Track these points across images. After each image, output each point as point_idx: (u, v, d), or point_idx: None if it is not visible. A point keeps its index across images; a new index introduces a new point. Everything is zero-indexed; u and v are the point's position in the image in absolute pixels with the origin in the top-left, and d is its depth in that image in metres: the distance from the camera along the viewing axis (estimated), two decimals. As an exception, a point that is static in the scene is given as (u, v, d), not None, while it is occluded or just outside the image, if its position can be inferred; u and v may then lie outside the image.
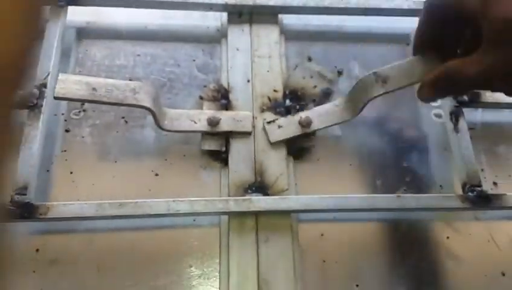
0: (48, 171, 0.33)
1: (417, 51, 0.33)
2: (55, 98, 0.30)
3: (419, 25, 0.32)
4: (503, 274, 0.34)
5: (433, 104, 0.41)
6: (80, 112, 0.36)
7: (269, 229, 0.33)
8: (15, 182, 0.30)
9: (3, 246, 0.13)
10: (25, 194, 0.30)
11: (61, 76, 0.30)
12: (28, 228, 0.31)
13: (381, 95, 0.33)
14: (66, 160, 0.34)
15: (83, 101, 0.31)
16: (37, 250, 0.31)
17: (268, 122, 0.36)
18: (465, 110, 0.39)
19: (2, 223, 0.14)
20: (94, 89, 0.30)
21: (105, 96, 0.30)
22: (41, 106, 0.33)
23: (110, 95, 0.30)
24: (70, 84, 0.30)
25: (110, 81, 0.31)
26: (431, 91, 0.31)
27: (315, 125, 0.37)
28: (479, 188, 0.35)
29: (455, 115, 0.38)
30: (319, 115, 0.37)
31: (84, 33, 0.40)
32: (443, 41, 0.31)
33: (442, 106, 0.40)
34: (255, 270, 0.31)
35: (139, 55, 0.39)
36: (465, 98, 0.39)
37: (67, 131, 0.35)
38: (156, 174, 0.35)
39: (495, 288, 0.34)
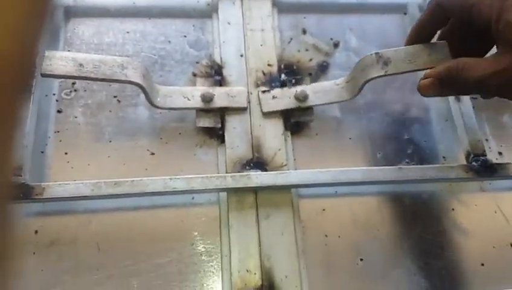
0: (42, 152, 0.34)
1: (409, 44, 0.34)
2: (42, 75, 0.31)
3: (421, 20, 0.34)
4: (512, 245, 0.36)
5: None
6: (71, 91, 0.37)
7: (269, 205, 0.34)
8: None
9: (9, 226, 0.14)
10: (20, 175, 0.31)
11: (47, 53, 0.31)
12: (26, 209, 0.32)
13: (380, 77, 0.34)
14: (60, 141, 0.35)
15: (70, 78, 0.31)
16: (36, 232, 0.32)
17: (263, 92, 0.37)
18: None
19: (8, 202, 0.15)
20: (81, 65, 0.31)
21: (92, 72, 0.31)
22: (31, 86, 0.34)
23: (97, 70, 0.31)
24: (57, 60, 0.31)
25: (97, 57, 0.32)
26: (436, 84, 0.31)
27: (311, 101, 0.38)
28: (483, 158, 0.37)
29: (457, 84, 0.40)
30: (316, 91, 0.38)
31: (71, 12, 0.40)
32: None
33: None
34: (256, 247, 0.33)
35: (128, 32, 0.40)
36: (467, 66, 0.40)
37: (59, 112, 0.36)
38: (152, 153, 0.36)
39: (504, 259, 0.35)
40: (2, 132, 0.14)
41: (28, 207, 0.32)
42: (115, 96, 0.37)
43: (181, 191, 0.33)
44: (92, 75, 0.31)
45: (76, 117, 0.36)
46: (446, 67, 0.31)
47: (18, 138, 0.14)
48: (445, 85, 0.31)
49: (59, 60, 0.31)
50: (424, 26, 0.34)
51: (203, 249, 0.33)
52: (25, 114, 0.33)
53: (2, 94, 0.13)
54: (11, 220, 0.14)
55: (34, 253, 0.31)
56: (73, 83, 0.37)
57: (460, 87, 0.32)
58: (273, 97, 0.37)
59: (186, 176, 0.33)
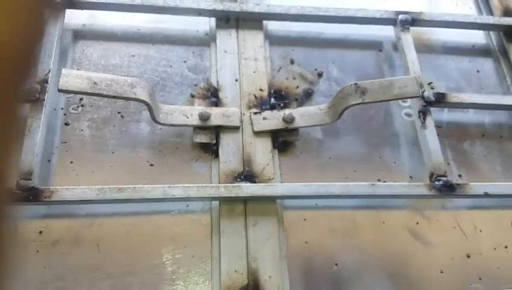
0: (49, 161, 0.38)
1: None
2: (59, 90, 0.35)
3: None
4: (468, 256, 0.41)
5: (403, 104, 0.48)
6: (78, 106, 0.41)
7: (257, 214, 0.38)
8: (19, 168, 0.35)
9: (9, 229, 0.14)
10: (30, 179, 0.34)
11: (64, 71, 0.35)
12: (32, 212, 0.35)
13: (358, 104, 0.40)
14: (66, 151, 0.38)
15: (84, 94, 0.35)
16: (40, 232, 0.35)
17: (255, 113, 0.42)
18: (432, 110, 0.46)
19: (8, 206, 0.15)
20: (95, 83, 0.35)
21: (105, 90, 0.35)
22: (43, 99, 0.38)
23: (109, 88, 0.35)
24: (73, 78, 0.35)
25: (110, 76, 0.36)
26: None
27: (298, 123, 0.43)
28: (444, 178, 0.42)
29: (423, 113, 0.45)
30: (302, 115, 0.43)
31: (80, 35, 0.44)
32: None
33: (412, 105, 0.47)
34: (244, 250, 0.36)
35: (133, 55, 0.45)
36: (432, 98, 0.46)
37: (66, 124, 0.40)
38: (151, 165, 0.40)
39: (461, 268, 0.40)
40: (3, 123, 0.14)
41: (33, 209, 0.35)
42: (119, 112, 0.41)
43: (178, 198, 0.37)
44: (105, 92, 0.35)
45: (82, 130, 0.40)
46: None
47: (19, 130, 0.14)
48: None
49: (75, 77, 0.35)
50: None
51: (195, 252, 0.36)
52: (36, 124, 0.37)
53: (3, 84, 0.13)
54: (12, 221, 0.14)
55: (37, 251, 0.34)
56: (81, 99, 0.41)
57: None
58: (264, 118, 0.42)
59: (184, 185, 0.37)
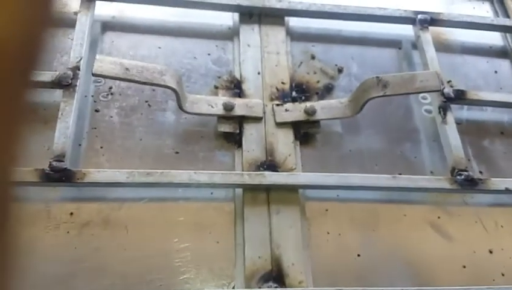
0: (79, 145, 0.39)
1: None
2: (94, 74, 0.36)
3: None
4: (491, 252, 0.41)
5: (423, 100, 0.49)
6: (107, 95, 0.42)
7: (280, 203, 0.39)
8: (52, 150, 0.36)
9: (15, 212, 0.14)
10: (63, 161, 0.36)
11: (98, 56, 0.37)
12: (63, 193, 0.36)
13: (379, 97, 0.41)
14: (96, 136, 0.40)
15: (117, 79, 0.37)
16: (71, 214, 0.36)
17: (277, 105, 0.43)
18: (452, 107, 0.47)
19: (12, 192, 0.14)
20: (127, 69, 0.37)
21: (136, 76, 0.37)
22: (75, 85, 0.39)
23: (140, 75, 0.37)
24: (107, 63, 0.36)
25: (141, 63, 0.38)
26: None
27: (319, 115, 0.44)
28: (466, 173, 0.43)
29: (443, 109, 0.46)
30: (323, 107, 0.44)
31: (109, 26, 0.46)
32: None
33: (432, 102, 0.48)
34: (267, 237, 0.37)
35: (160, 47, 0.46)
36: (452, 94, 0.47)
37: (96, 111, 0.41)
38: (176, 152, 0.41)
39: (483, 263, 0.40)
40: (4, 121, 0.13)
41: (64, 191, 0.37)
42: (146, 101, 0.43)
43: (204, 183, 0.38)
44: (136, 78, 0.36)
45: (111, 117, 0.41)
46: None
47: (23, 125, 0.14)
48: None
49: (109, 63, 0.36)
50: None
51: (219, 238, 0.37)
52: (68, 109, 0.38)
53: (3, 82, 0.13)
54: (17, 205, 0.14)
55: (68, 232, 0.35)
56: (110, 88, 0.43)
57: None
58: (286, 110, 0.43)
59: (209, 171, 0.38)
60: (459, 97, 0.47)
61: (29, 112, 0.14)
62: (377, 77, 0.41)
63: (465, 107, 0.50)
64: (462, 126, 0.48)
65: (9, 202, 0.14)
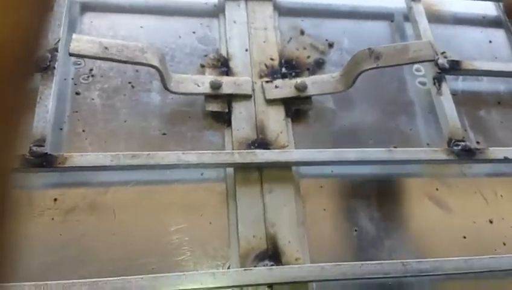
0: (61, 129, 0.38)
1: None
2: (70, 54, 0.35)
3: None
4: (491, 222, 0.40)
5: (417, 72, 0.48)
6: (88, 76, 0.41)
7: (273, 181, 0.38)
8: (32, 135, 0.35)
9: (12, 197, 0.15)
10: (43, 146, 0.34)
11: (75, 36, 0.35)
12: (46, 179, 0.35)
13: (372, 69, 0.40)
14: (78, 120, 0.38)
15: (96, 58, 0.35)
16: (55, 200, 0.35)
17: (267, 82, 0.42)
18: (447, 79, 0.46)
19: (12, 176, 0.15)
20: (106, 48, 0.35)
21: (116, 55, 0.35)
22: (54, 67, 0.38)
23: (120, 53, 0.35)
24: (84, 43, 0.35)
25: (121, 42, 0.36)
26: None
27: (310, 91, 0.43)
28: (463, 143, 0.42)
29: (438, 80, 0.45)
30: (314, 82, 0.43)
31: (88, 7, 0.44)
32: None
33: (426, 74, 0.47)
34: (261, 216, 0.36)
35: (141, 27, 0.45)
36: (446, 65, 0.46)
37: (77, 94, 0.40)
38: (163, 134, 0.39)
39: (484, 233, 0.39)
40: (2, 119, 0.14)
41: (47, 177, 0.35)
42: (129, 82, 0.41)
43: (193, 164, 0.36)
44: (116, 57, 0.35)
45: (93, 99, 0.40)
46: None
47: (22, 124, 0.14)
48: None
49: (86, 42, 0.35)
50: None
51: (211, 219, 0.36)
52: (47, 92, 0.37)
53: (2, 83, 0.13)
54: (14, 190, 0.15)
55: (52, 219, 0.34)
56: (91, 69, 0.41)
57: None
58: (276, 87, 0.42)
59: (198, 152, 0.37)
60: (454, 68, 0.46)
61: (26, 105, 0.15)
62: (369, 49, 0.40)
63: (460, 78, 0.49)
64: (458, 97, 0.47)
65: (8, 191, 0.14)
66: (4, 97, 0.14)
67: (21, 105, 0.15)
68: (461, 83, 0.49)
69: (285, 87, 0.42)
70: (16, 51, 0.14)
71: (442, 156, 0.41)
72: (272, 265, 0.34)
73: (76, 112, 0.39)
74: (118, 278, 0.31)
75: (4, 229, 0.15)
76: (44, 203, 0.34)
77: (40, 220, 0.34)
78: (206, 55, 0.44)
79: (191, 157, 0.37)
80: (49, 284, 0.29)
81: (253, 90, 0.42)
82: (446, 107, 0.44)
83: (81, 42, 0.35)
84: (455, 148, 0.41)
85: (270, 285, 0.33)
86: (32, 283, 0.29)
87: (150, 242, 0.34)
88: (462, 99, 0.47)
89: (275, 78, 0.43)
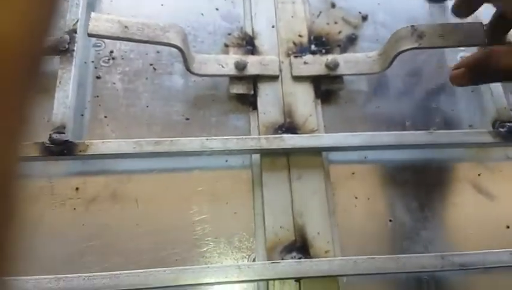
0: (82, 115, 0.37)
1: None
2: (89, 35, 0.33)
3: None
4: (536, 210, 0.37)
5: (460, 48, 0.44)
6: (109, 59, 0.39)
7: (301, 167, 0.36)
8: (52, 122, 0.34)
9: (19, 189, 0.14)
10: (63, 133, 0.33)
11: (93, 15, 0.33)
12: (67, 168, 0.34)
13: (413, 49, 0.36)
14: (99, 105, 0.37)
15: (115, 39, 0.33)
16: (77, 189, 0.34)
17: (295, 57, 0.39)
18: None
19: (18, 166, 0.14)
20: (126, 27, 0.33)
21: (136, 34, 0.33)
22: (73, 50, 0.36)
23: (141, 33, 0.33)
24: (103, 22, 0.33)
25: (141, 20, 0.34)
26: (467, 74, 0.32)
27: (342, 70, 0.39)
28: (509, 124, 0.38)
29: (483, 55, 0.41)
30: (347, 61, 0.40)
31: (107, -15, 0.43)
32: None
33: (469, 48, 0.43)
34: (289, 205, 0.34)
35: (162, 5, 0.42)
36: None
37: (98, 78, 0.38)
38: (187, 119, 0.38)
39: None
40: (6, 115, 0.13)
41: (68, 165, 0.35)
42: (151, 64, 0.39)
43: (217, 150, 0.35)
44: (136, 37, 0.33)
45: (114, 83, 0.38)
46: (476, 57, 0.32)
47: (26, 119, 0.14)
48: (476, 74, 0.32)
49: (105, 21, 0.33)
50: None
51: (237, 209, 0.35)
52: (67, 76, 0.35)
53: (8, 78, 0.13)
54: (21, 181, 0.14)
55: (74, 209, 0.33)
56: (111, 52, 0.40)
57: (491, 76, 0.32)
58: (305, 63, 0.39)
59: (222, 137, 0.35)
60: (499, 41, 0.42)
61: (33, 99, 0.14)
62: (412, 26, 0.36)
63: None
64: (505, 74, 0.43)
65: (13, 180, 0.13)
66: (8, 99, 0.13)
67: (26, 109, 0.14)
68: (509, 58, 0.45)
69: (314, 64, 0.39)
70: (22, 47, 0.13)
71: (487, 138, 0.37)
72: (300, 258, 0.32)
73: (98, 96, 0.38)
74: (140, 270, 0.30)
75: (10, 224, 0.13)
76: (65, 193, 0.34)
77: (62, 210, 0.33)
78: (230, 34, 0.42)
79: (216, 143, 0.35)
80: (69, 277, 0.29)
81: (280, 70, 0.39)
82: (491, 85, 0.40)
83: (99, 22, 0.33)
84: (501, 130, 0.38)
85: (297, 279, 0.31)
86: (52, 276, 0.29)
87: (174, 232, 0.33)
88: (509, 75, 0.43)
89: (303, 56, 0.40)
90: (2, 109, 0.13)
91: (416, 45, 0.36)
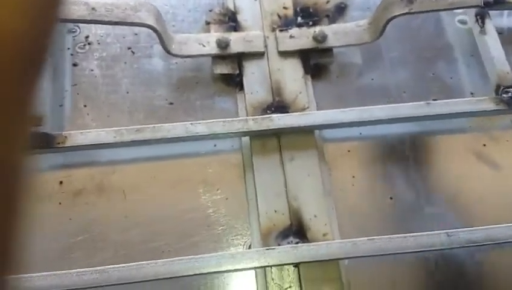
0: (60, 105, 0.35)
1: None
2: (57, 21, 0.31)
3: None
4: (544, 179, 0.36)
5: (457, 10, 0.42)
6: (85, 45, 0.37)
7: (293, 148, 0.34)
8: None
9: (26, 181, 0.14)
10: (41, 125, 0.32)
11: (61, -1, 0.32)
12: (50, 161, 0.33)
13: (404, 14, 0.34)
14: (78, 94, 0.36)
15: (82, 22, 0.32)
16: (61, 182, 0.33)
17: (281, 31, 0.37)
18: (491, 15, 0.39)
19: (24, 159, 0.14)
20: (93, 8, 0.32)
21: (105, 16, 0.32)
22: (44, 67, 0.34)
23: (110, 14, 0.32)
24: (69, 5, 0.31)
25: (110, 0, 0.32)
26: None
27: (331, 42, 0.38)
28: (513, 89, 0.36)
29: (481, 17, 0.39)
30: (335, 32, 0.38)
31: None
32: None
33: (467, 11, 0.41)
34: (282, 188, 0.33)
35: (138, -16, 0.40)
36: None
37: (75, 65, 0.37)
38: (170, 103, 0.36)
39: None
40: (9, 113, 0.13)
41: (51, 159, 0.33)
42: (129, 48, 0.38)
43: (203, 135, 0.33)
44: (105, 19, 0.31)
45: (92, 70, 0.37)
46: None
47: (30, 114, 0.14)
48: None
49: (72, 4, 0.31)
50: None
51: (229, 194, 0.33)
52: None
53: (10, 75, 0.13)
54: (28, 173, 0.14)
55: (60, 203, 0.32)
56: (87, 37, 0.38)
57: None
58: (291, 36, 0.37)
59: (207, 121, 0.34)
60: (499, 1, 0.40)
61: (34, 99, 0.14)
62: None
63: (505, 13, 0.42)
64: (503, 36, 0.40)
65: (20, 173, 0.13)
66: (6, 103, 0.13)
67: (27, 109, 0.14)
68: (506, 20, 0.42)
69: (301, 38, 0.37)
70: (23, 46, 0.13)
71: (490, 106, 0.36)
72: (297, 243, 0.31)
73: (76, 85, 0.36)
74: (131, 264, 0.29)
75: (16, 217, 0.13)
76: (49, 187, 0.32)
77: (47, 205, 0.32)
78: (211, 10, 0.40)
79: (201, 127, 0.33)
80: (58, 274, 0.28)
81: (266, 46, 0.37)
82: (492, 48, 0.38)
83: (65, 5, 0.31)
84: (504, 96, 0.36)
85: (296, 265, 0.30)
86: (39, 273, 0.28)
87: (164, 223, 0.32)
88: (508, 38, 0.41)
89: (289, 29, 0.38)
90: (4, 109, 0.13)
91: (406, 10, 0.34)
